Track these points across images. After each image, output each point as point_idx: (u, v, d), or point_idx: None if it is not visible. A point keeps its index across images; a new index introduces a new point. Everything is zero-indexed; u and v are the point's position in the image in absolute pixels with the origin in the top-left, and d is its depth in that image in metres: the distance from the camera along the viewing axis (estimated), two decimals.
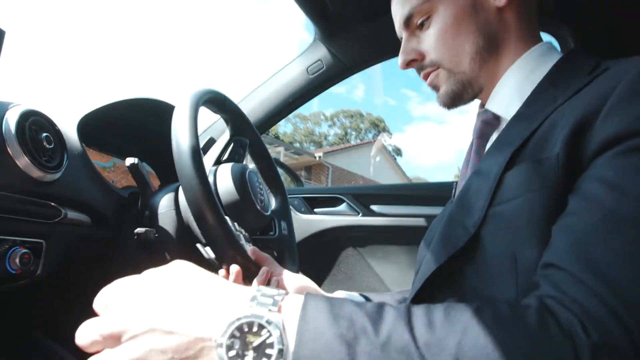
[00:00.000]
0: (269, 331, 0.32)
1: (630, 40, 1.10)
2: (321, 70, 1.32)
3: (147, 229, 0.74)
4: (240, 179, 0.80)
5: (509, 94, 0.64)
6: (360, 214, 1.46)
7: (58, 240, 0.67)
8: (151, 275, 0.38)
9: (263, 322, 0.33)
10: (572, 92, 0.51)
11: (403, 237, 1.41)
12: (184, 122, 0.65)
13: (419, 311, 0.35)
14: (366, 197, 1.47)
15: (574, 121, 0.45)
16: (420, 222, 1.37)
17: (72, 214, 0.67)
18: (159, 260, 0.77)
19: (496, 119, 0.66)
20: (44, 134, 0.61)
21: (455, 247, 0.51)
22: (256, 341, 0.32)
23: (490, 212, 0.49)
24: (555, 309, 0.34)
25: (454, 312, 0.35)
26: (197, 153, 0.65)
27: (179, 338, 0.33)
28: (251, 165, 0.91)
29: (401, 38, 0.73)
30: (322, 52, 1.30)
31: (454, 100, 0.69)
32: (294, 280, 0.76)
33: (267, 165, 1.01)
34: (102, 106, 0.82)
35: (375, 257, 1.46)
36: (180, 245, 0.79)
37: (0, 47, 0.57)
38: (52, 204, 0.63)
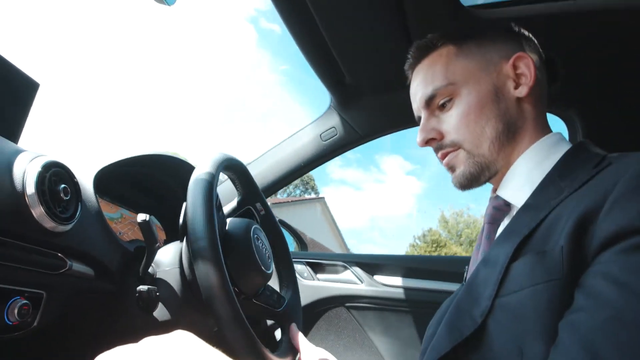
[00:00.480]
0: None
1: (636, 122, 1.13)
2: (334, 137, 1.35)
3: (149, 287, 0.72)
4: (245, 236, 0.80)
5: (520, 181, 0.65)
6: (364, 283, 1.42)
7: (59, 292, 0.65)
8: (150, 346, 0.36)
9: None
10: (577, 185, 0.53)
11: (406, 311, 1.36)
12: (200, 197, 0.66)
13: None
14: (371, 266, 1.45)
15: (578, 215, 0.46)
16: (425, 296, 1.33)
17: (77, 266, 0.65)
18: (159, 319, 0.74)
19: (507, 205, 0.67)
20: (62, 186, 0.62)
21: (461, 337, 0.51)
22: None
23: (497, 303, 0.50)
24: None
25: None
26: (215, 244, 0.64)
27: None
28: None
29: (419, 118, 0.75)
30: (336, 120, 1.34)
31: (470, 182, 0.70)
32: (315, 354, 0.75)
33: (276, 240, 1.00)
34: (120, 160, 0.83)
35: (376, 330, 1.41)
36: (182, 305, 0.76)
37: (33, 99, 0.59)
38: (59, 254, 0.62)
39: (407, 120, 1.33)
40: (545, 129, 0.69)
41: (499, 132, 0.66)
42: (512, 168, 0.67)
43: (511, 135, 0.67)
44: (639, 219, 0.41)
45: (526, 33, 0.73)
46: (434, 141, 0.72)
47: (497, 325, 0.48)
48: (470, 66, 0.69)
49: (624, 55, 0.97)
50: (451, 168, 0.72)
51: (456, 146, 0.69)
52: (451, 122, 0.69)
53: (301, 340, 0.80)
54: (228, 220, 0.83)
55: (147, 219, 0.69)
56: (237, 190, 0.94)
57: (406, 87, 0.80)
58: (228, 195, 1.41)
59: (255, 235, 0.83)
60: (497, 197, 0.68)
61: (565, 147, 0.64)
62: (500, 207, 0.68)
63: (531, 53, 0.69)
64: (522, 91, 0.67)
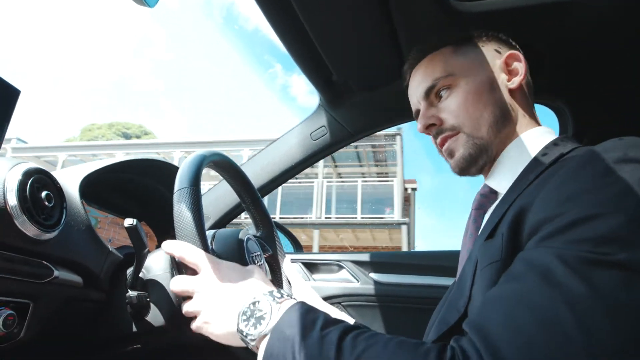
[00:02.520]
0: (267, 312, 0.53)
1: (624, 110, 1.14)
2: (324, 136, 1.34)
3: (139, 292, 0.71)
4: (238, 248, 0.79)
5: (504, 170, 0.71)
6: (360, 282, 1.42)
7: (46, 302, 0.64)
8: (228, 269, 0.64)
9: (266, 306, 0.54)
10: (533, 178, 0.58)
11: (403, 307, 1.36)
12: (186, 197, 0.66)
13: (348, 336, 0.47)
14: (366, 264, 1.44)
15: (519, 206, 0.53)
16: (422, 292, 1.33)
17: (63, 274, 0.64)
18: (152, 324, 0.74)
19: (493, 192, 0.72)
20: (45, 192, 0.61)
21: (446, 326, 0.56)
22: (258, 314, 0.54)
23: (473, 290, 0.55)
24: (449, 352, 0.42)
25: (365, 337, 0.46)
26: (203, 232, 0.65)
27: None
28: (250, 231, 0.90)
29: (417, 112, 0.81)
30: (325, 119, 1.33)
31: (469, 164, 0.74)
32: (303, 289, 0.90)
33: (268, 232, 0.99)
34: (106, 166, 0.82)
35: (374, 327, 1.38)
36: (176, 310, 0.75)
37: (14, 106, 0.58)
38: (45, 262, 0.61)
39: (397, 116, 1.33)
40: (534, 122, 0.74)
41: (496, 117, 0.71)
42: (500, 157, 0.72)
43: (506, 122, 0.72)
44: (555, 210, 0.45)
45: (509, 40, 0.79)
46: (434, 127, 0.76)
47: (473, 310, 0.53)
48: (467, 62, 0.75)
49: (613, 45, 0.98)
50: (450, 153, 0.76)
51: (455, 130, 0.74)
52: (450, 108, 0.74)
53: (292, 273, 0.94)
54: (222, 232, 0.82)
55: (134, 223, 0.68)
56: (232, 186, 0.93)
57: (395, 84, 0.80)
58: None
59: (250, 247, 0.82)
60: (485, 185, 0.73)
61: (546, 141, 0.67)
62: (486, 194, 0.72)
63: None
64: (514, 83, 0.73)
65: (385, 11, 0.92)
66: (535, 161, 0.63)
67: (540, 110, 1.19)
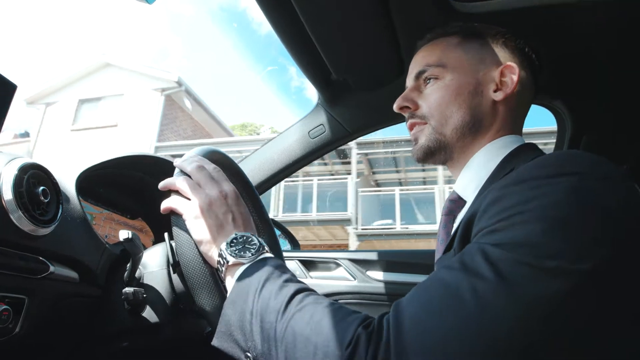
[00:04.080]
0: (255, 249, 0.61)
1: (621, 111, 1.14)
2: (322, 134, 1.34)
3: (135, 288, 0.71)
4: None
5: (468, 177, 0.73)
6: (357, 280, 1.42)
7: (41, 297, 0.64)
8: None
9: (256, 244, 0.62)
10: (489, 186, 0.60)
11: None
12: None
13: (301, 293, 0.55)
14: (363, 262, 1.44)
15: (469, 214, 0.56)
16: None
17: (59, 270, 0.64)
18: (148, 321, 0.74)
19: (461, 199, 0.74)
20: (41, 188, 0.60)
21: None
22: (247, 245, 0.61)
23: None
24: (371, 320, 0.49)
25: (314, 297, 0.54)
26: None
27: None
28: None
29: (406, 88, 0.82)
30: (324, 117, 1.33)
31: (426, 156, 0.77)
32: None
33: (269, 237, 0.99)
34: (103, 161, 0.82)
35: None
36: (171, 307, 0.76)
37: (11, 101, 0.58)
38: (40, 258, 0.61)
39: (395, 115, 1.32)
40: (510, 132, 0.75)
41: (464, 122, 0.73)
42: (468, 163, 0.74)
43: (474, 129, 0.74)
44: (489, 221, 0.49)
45: (526, 49, 0.79)
46: (407, 109, 0.80)
47: None
48: (464, 58, 0.76)
49: (611, 47, 0.97)
50: (415, 140, 0.79)
51: (424, 120, 0.77)
52: (428, 98, 0.77)
53: None
54: None
55: (130, 236, 0.69)
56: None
57: (393, 83, 0.81)
58: None
59: None
60: (454, 191, 0.76)
61: (509, 150, 0.70)
62: (454, 200, 0.75)
63: (522, 68, 0.75)
64: (498, 96, 0.73)
65: (384, 10, 0.92)
66: (496, 171, 0.66)
67: (540, 110, 1.20)
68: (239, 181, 0.92)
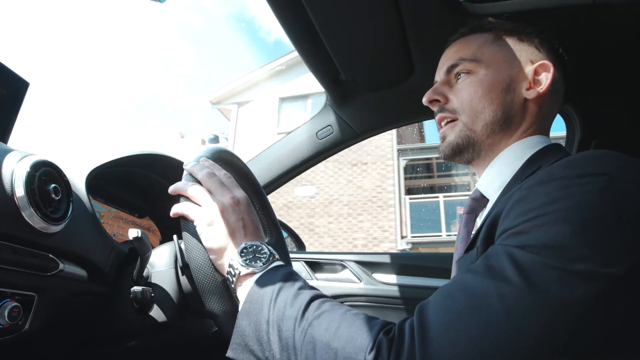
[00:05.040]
0: (265, 257, 0.61)
1: (631, 113, 1.13)
2: (330, 135, 1.34)
3: (143, 288, 0.71)
4: None
5: (492, 176, 0.72)
6: (363, 282, 1.42)
7: (51, 294, 0.64)
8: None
9: (266, 252, 0.61)
10: (515, 188, 0.59)
11: (406, 309, 1.35)
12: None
13: (317, 299, 0.54)
14: (369, 264, 1.44)
15: (493, 213, 0.55)
16: (425, 294, 1.32)
17: (69, 267, 0.64)
18: (155, 320, 0.73)
19: (484, 197, 0.73)
20: (53, 185, 0.60)
21: None
22: (258, 255, 0.61)
23: None
24: (393, 325, 0.48)
25: (331, 303, 0.53)
26: None
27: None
28: None
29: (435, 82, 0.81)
30: (332, 118, 1.33)
31: (454, 153, 0.76)
32: None
33: (277, 239, 0.98)
34: (112, 160, 0.82)
35: None
36: (179, 306, 0.75)
37: (23, 98, 0.58)
38: (50, 255, 0.61)
39: (404, 117, 1.32)
40: (539, 132, 0.73)
41: (496, 118, 0.72)
42: (493, 162, 0.73)
43: (505, 126, 0.72)
44: (515, 221, 0.48)
45: (560, 50, 0.78)
46: (437, 103, 0.78)
47: None
48: (499, 55, 0.74)
49: (620, 48, 0.97)
50: (443, 137, 0.78)
51: (454, 115, 0.76)
52: (459, 92, 0.75)
53: None
54: None
55: (139, 235, 0.68)
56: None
57: (402, 84, 0.80)
58: None
59: None
60: (476, 189, 0.74)
61: (536, 149, 0.68)
62: (477, 199, 0.74)
63: (555, 68, 0.74)
64: (531, 94, 0.72)
65: (394, 11, 0.92)
66: (520, 171, 0.65)
67: None
68: (247, 182, 0.92)
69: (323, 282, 1.46)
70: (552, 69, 0.71)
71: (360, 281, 1.42)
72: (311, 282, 1.47)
